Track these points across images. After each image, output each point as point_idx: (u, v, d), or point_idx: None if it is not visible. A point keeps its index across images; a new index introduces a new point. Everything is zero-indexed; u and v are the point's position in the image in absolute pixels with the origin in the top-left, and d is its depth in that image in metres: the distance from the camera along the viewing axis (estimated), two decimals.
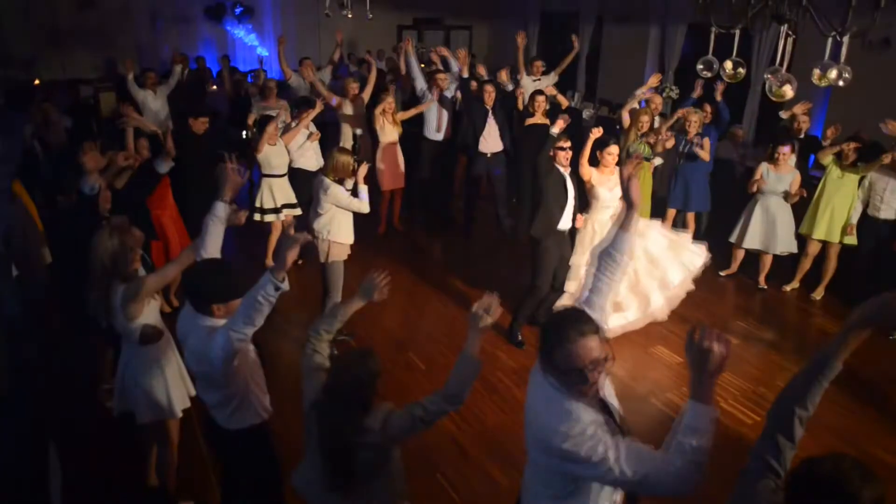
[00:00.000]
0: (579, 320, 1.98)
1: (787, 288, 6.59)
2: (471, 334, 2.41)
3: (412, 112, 7.59)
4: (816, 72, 3.56)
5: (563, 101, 8.12)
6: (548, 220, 5.07)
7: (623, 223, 2.41)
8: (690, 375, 1.86)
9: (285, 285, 2.46)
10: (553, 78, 8.48)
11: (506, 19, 13.67)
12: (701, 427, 1.82)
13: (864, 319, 1.79)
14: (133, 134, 5.59)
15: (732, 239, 6.56)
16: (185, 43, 11.60)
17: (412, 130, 7.73)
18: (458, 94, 7.77)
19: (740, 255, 6.68)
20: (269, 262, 6.81)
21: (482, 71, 9.29)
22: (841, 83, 3.57)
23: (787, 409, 1.81)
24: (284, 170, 6.58)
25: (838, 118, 7.82)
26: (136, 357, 3.37)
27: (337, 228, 5.03)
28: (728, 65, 4.15)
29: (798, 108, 6.55)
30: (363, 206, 5.00)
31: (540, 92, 7.24)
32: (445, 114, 7.71)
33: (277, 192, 6.50)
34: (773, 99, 3.76)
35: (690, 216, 7.01)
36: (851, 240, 6.07)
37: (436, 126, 7.73)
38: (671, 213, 7.05)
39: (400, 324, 5.89)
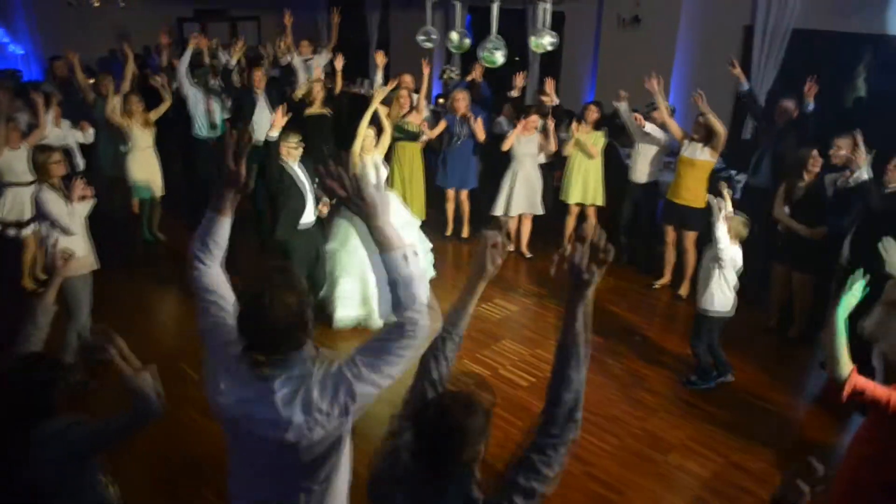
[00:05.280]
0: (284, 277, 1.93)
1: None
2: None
3: (163, 108, 7.04)
4: (533, 38, 3.72)
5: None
6: (293, 218, 5.07)
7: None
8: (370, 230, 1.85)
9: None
10: (326, 56, 8.33)
11: (294, 8, 13.27)
12: (400, 267, 1.81)
13: (475, 269, 1.94)
14: None
15: (498, 212, 6.69)
16: None
17: (181, 129, 7.28)
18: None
19: (513, 227, 6.90)
20: (26, 283, 6.10)
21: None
22: (550, 47, 3.77)
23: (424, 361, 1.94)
24: (32, 177, 5.86)
25: (603, 90, 8.42)
26: None
27: (69, 240, 4.48)
28: (454, 36, 4.22)
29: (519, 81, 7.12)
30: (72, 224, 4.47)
31: (318, 80, 7.09)
32: (217, 109, 7.31)
33: (27, 203, 5.79)
34: (485, 64, 3.87)
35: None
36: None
37: (207, 123, 7.29)
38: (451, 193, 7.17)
39: (171, 334, 5.47)
